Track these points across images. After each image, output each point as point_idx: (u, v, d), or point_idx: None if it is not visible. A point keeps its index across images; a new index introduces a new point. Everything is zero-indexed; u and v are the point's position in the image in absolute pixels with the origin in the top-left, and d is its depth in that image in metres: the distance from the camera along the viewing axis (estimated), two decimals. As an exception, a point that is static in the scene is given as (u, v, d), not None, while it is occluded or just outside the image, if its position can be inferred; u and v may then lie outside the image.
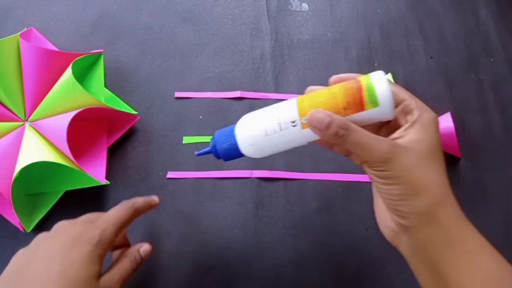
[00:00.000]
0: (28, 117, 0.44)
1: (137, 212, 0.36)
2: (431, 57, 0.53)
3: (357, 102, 0.27)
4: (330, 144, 0.31)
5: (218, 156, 0.32)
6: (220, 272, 0.41)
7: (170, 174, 0.45)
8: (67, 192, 0.43)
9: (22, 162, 0.39)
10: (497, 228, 0.44)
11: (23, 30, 0.46)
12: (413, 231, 0.27)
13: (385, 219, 0.29)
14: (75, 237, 0.31)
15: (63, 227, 0.33)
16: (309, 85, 0.48)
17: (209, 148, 0.32)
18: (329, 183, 0.45)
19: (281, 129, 0.29)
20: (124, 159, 0.46)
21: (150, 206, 0.38)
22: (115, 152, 0.46)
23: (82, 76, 0.47)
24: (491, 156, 0.47)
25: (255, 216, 0.44)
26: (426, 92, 0.50)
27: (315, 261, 0.42)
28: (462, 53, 0.53)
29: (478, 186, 0.45)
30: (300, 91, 0.49)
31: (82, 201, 0.43)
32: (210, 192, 0.44)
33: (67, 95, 0.42)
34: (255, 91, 0.50)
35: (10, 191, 0.39)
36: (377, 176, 0.27)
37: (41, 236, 0.33)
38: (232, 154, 0.31)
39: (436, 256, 0.27)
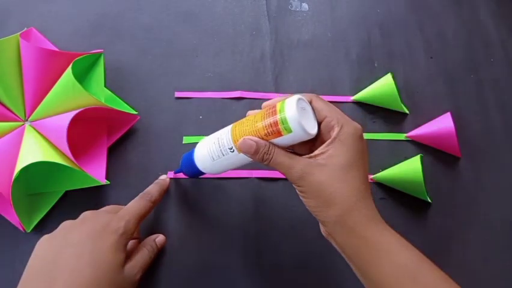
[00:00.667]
0: (28, 117, 0.44)
1: (154, 204, 0.39)
2: (431, 57, 0.53)
3: (275, 131, 0.31)
4: None
5: (187, 176, 0.41)
6: (220, 272, 0.41)
7: (170, 174, 0.45)
8: (67, 192, 0.43)
9: (22, 162, 0.39)
10: (497, 228, 0.44)
11: (23, 30, 0.46)
12: (333, 236, 0.31)
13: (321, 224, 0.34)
14: (102, 227, 0.34)
15: (90, 217, 0.35)
16: (309, 85, 0.49)
17: (180, 169, 0.41)
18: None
19: (223, 155, 0.35)
20: (124, 159, 0.46)
21: (164, 193, 0.41)
22: (115, 152, 0.46)
23: (82, 76, 0.47)
24: (491, 156, 0.47)
25: (255, 216, 0.44)
26: (426, 92, 0.50)
27: (315, 261, 0.42)
28: (462, 53, 0.53)
29: (477, 186, 0.46)
30: (300, 91, 0.49)
31: (82, 201, 0.43)
32: (210, 192, 0.44)
33: (67, 95, 0.42)
34: (255, 91, 0.50)
35: (10, 191, 0.39)
36: (298, 191, 0.32)
37: (68, 224, 0.35)
38: (196, 174, 0.39)
39: (355, 256, 0.31)
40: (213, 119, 0.48)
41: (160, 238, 0.40)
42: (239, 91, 0.49)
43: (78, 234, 0.33)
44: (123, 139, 0.46)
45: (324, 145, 0.31)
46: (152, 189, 0.40)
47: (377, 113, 0.49)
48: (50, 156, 0.40)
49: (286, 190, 0.45)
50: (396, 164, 0.44)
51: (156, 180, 0.43)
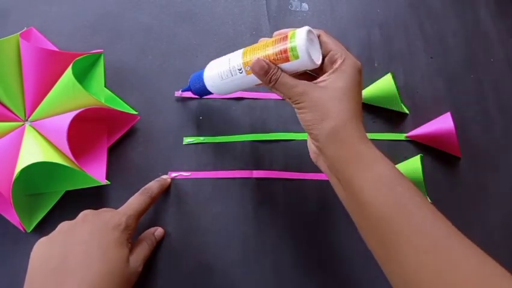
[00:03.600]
0: (28, 117, 0.44)
1: (153, 200, 0.40)
2: (431, 57, 0.53)
3: (284, 57, 0.34)
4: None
5: (194, 93, 0.43)
6: (220, 272, 0.41)
7: (171, 175, 0.45)
8: (67, 192, 0.43)
9: (22, 162, 0.39)
10: (496, 227, 0.44)
11: (23, 30, 0.46)
12: (324, 150, 0.34)
13: (311, 146, 0.37)
14: (104, 223, 0.35)
15: (90, 215, 0.36)
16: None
17: (187, 87, 0.44)
18: (328, 183, 0.45)
19: (232, 75, 0.37)
20: (124, 159, 0.46)
21: (163, 190, 0.43)
22: (115, 152, 0.46)
23: (82, 76, 0.47)
24: (491, 156, 0.47)
25: (255, 216, 0.44)
26: (426, 92, 0.50)
27: (315, 261, 0.42)
28: (462, 53, 0.53)
29: (478, 186, 0.46)
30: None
31: (82, 201, 0.43)
32: (210, 192, 0.44)
33: (67, 95, 0.42)
34: (255, 91, 0.50)
35: (10, 191, 0.39)
36: (296, 108, 0.35)
37: (68, 224, 0.35)
38: (202, 92, 0.42)
39: (342, 168, 0.33)
40: (213, 119, 0.48)
41: (158, 231, 0.42)
42: (239, 91, 0.49)
43: (82, 232, 0.34)
44: (123, 139, 0.46)
45: (326, 74, 0.34)
46: (153, 186, 0.41)
47: (377, 113, 0.49)
48: (51, 156, 0.40)
49: (286, 190, 0.45)
50: (396, 164, 0.44)
51: (157, 178, 0.43)
